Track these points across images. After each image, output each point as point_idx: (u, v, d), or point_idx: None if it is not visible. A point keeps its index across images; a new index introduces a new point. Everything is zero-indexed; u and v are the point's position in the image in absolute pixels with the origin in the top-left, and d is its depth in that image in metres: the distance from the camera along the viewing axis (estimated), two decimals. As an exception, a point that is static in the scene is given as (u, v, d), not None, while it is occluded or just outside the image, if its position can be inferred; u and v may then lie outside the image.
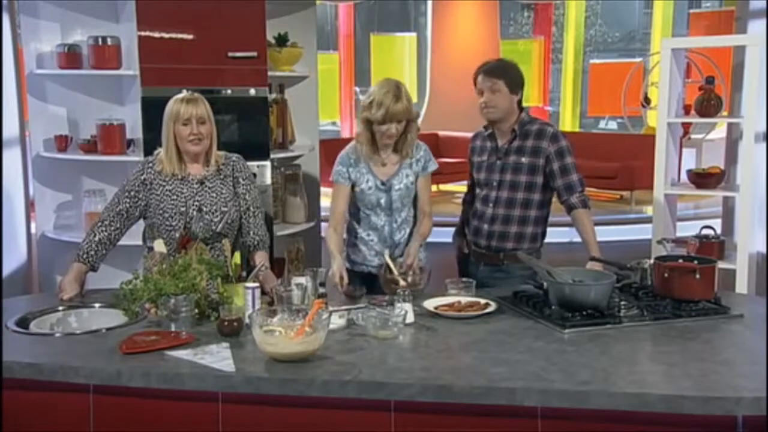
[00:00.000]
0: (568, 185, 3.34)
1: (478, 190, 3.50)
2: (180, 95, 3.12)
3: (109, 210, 3.16)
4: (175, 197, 3.11)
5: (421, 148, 3.33)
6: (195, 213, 3.11)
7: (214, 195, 3.14)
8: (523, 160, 3.35)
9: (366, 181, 3.27)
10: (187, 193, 3.12)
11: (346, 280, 3.01)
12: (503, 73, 3.31)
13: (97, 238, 3.10)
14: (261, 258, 3.16)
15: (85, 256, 3.08)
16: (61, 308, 2.91)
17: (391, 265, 3.03)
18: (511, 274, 3.34)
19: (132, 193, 3.14)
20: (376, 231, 3.31)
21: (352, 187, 3.29)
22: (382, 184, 3.27)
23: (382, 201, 3.27)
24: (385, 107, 3.13)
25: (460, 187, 8.39)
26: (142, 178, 3.15)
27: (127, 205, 3.14)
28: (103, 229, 3.12)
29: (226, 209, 3.13)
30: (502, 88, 3.30)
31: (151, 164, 3.17)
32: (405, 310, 2.66)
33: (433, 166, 3.38)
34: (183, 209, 3.10)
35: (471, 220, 3.52)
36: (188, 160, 3.14)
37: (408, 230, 3.34)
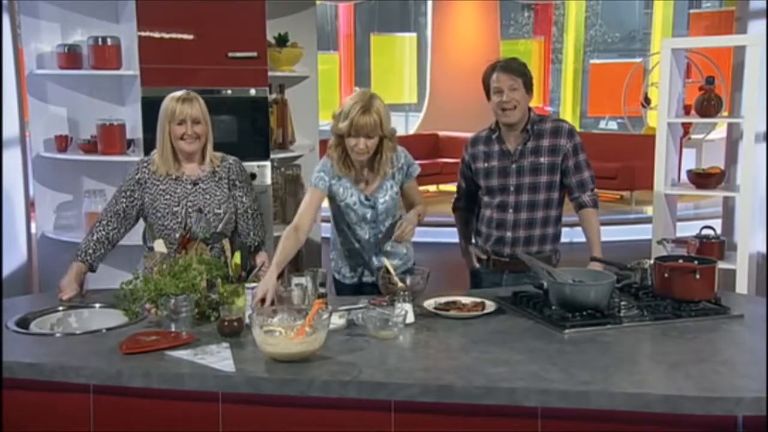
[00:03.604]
0: (581, 182, 3.31)
1: (488, 198, 3.37)
2: (176, 93, 3.13)
3: (108, 210, 3.18)
4: (168, 197, 3.12)
5: (401, 156, 3.16)
6: (195, 213, 3.11)
7: (208, 196, 3.14)
8: (542, 160, 3.26)
9: (350, 196, 3.12)
10: (181, 193, 3.13)
11: (268, 302, 2.68)
12: (521, 72, 3.22)
13: (95, 238, 3.11)
14: (261, 258, 3.17)
15: (83, 255, 3.08)
16: (61, 308, 2.91)
17: (390, 269, 3.02)
18: (537, 277, 3.28)
19: (128, 193, 3.16)
20: (361, 243, 3.22)
21: (333, 199, 3.13)
22: (367, 199, 3.14)
23: (368, 215, 3.16)
24: (349, 119, 2.93)
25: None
26: (137, 177, 3.16)
27: (124, 205, 3.15)
28: (101, 228, 3.13)
29: (219, 211, 3.14)
30: (521, 87, 3.20)
31: (146, 164, 3.18)
32: (405, 310, 2.65)
33: (416, 170, 3.24)
34: (176, 209, 3.11)
35: (485, 229, 3.38)
36: (183, 160, 3.15)
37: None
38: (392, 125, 3.06)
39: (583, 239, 3.36)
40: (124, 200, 3.15)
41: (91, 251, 3.09)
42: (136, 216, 3.20)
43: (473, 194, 3.49)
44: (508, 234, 3.32)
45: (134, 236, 3.39)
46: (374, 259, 3.21)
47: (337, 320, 2.60)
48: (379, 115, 2.97)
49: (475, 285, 3.47)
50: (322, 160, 3.16)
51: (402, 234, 3.09)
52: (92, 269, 3.11)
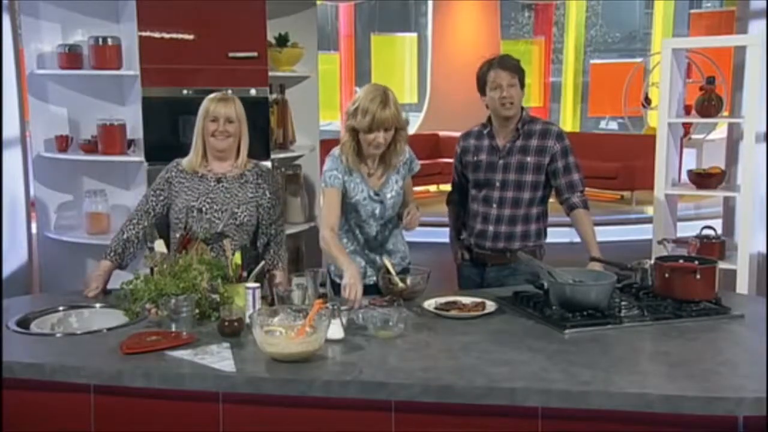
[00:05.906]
0: (570, 184, 3.34)
1: (474, 191, 3.44)
2: (214, 94, 3.20)
3: (138, 210, 3.22)
4: (189, 193, 3.15)
5: (405, 150, 3.20)
6: (196, 212, 3.12)
7: (228, 195, 3.16)
8: (528, 159, 3.33)
9: (360, 191, 3.14)
10: (202, 189, 3.16)
11: (360, 294, 2.76)
12: (518, 70, 3.33)
13: (125, 237, 3.14)
14: (280, 277, 3.20)
15: (112, 254, 3.11)
16: (61, 308, 2.91)
17: (391, 269, 3.02)
18: (518, 270, 3.32)
19: (157, 192, 3.20)
20: (368, 242, 3.23)
21: (342, 197, 3.13)
22: (375, 194, 3.16)
23: (377, 211, 3.18)
24: (371, 114, 2.96)
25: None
26: (167, 177, 3.21)
27: (153, 204, 3.19)
28: (131, 227, 3.16)
29: (237, 210, 3.14)
30: (517, 83, 3.31)
31: (176, 164, 3.23)
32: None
33: (417, 166, 3.29)
34: (193, 204, 3.13)
35: (470, 222, 3.46)
36: (213, 158, 3.19)
37: (395, 232, 3.29)
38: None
39: (583, 239, 3.37)
40: (153, 199, 3.19)
41: (120, 250, 3.12)
42: (165, 214, 3.22)
43: (465, 188, 3.53)
44: (490, 228, 3.37)
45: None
46: (377, 258, 3.21)
47: (337, 333, 2.51)
48: (396, 107, 3.03)
49: (460, 278, 3.54)
50: (330, 159, 3.16)
51: (412, 221, 3.13)
52: (122, 267, 3.14)
